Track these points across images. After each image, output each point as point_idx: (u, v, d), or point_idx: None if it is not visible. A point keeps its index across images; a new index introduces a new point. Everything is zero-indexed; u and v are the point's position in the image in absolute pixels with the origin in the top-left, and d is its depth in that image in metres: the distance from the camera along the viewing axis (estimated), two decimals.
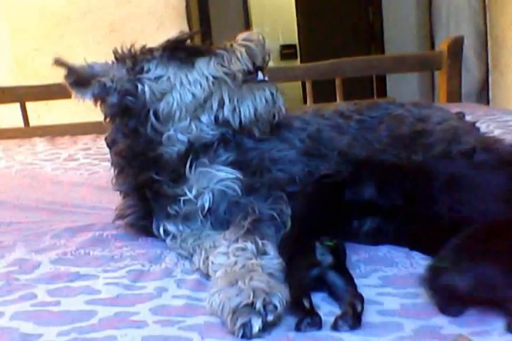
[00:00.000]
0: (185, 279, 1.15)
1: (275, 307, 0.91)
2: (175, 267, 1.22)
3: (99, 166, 2.28)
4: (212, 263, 1.12)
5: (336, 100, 3.05)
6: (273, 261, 1.08)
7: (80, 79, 1.36)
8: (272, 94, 1.37)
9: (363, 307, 0.94)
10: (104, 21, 3.69)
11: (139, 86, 1.35)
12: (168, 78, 1.35)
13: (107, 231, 1.44)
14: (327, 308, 1.00)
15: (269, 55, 1.41)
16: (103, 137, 2.84)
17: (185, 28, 3.64)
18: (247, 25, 5.93)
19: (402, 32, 5.08)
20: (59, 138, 2.91)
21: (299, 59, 6.71)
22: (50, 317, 1.01)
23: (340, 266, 1.05)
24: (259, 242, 1.12)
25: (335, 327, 0.92)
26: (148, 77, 1.36)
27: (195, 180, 1.31)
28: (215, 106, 1.34)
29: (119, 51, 1.46)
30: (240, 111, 1.34)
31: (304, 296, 0.95)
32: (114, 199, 1.72)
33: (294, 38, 7.05)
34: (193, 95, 1.34)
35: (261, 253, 1.09)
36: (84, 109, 3.35)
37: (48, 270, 1.23)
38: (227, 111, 1.34)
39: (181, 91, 1.34)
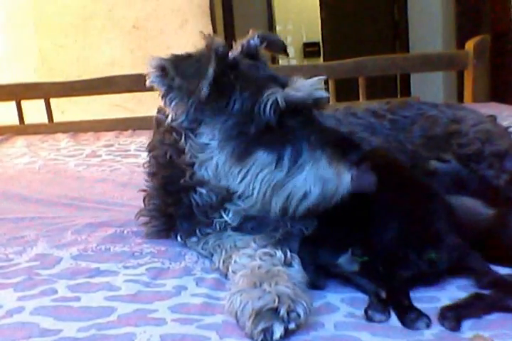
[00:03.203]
0: (205, 278, 1.15)
1: (298, 315, 0.90)
2: (195, 265, 1.22)
3: (121, 163, 2.30)
4: (234, 262, 1.11)
5: (358, 99, 3.03)
6: (298, 274, 1.06)
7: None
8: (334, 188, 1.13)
9: (387, 296, 0.97)
10: (128, 18, 3.71)
11: (183, 136, 1.19)
12: (213, 154, 1.16)
13: (128, 228, 1.45)
14: (347, 310, 0.99)
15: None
16: (126, 134, 2.90)
17: (209, 26, 3.64)
18: (271, 23, 5.92)
19: (428, 30, 5.03)
20: (82, 134, 2.94)
21: (322, 57, 6.69)
22: (70, 313, 1.01)
23: (367, 274, 1.07)
24: (288, 253, 1.10)
25: (368, 318, 0.94)
26: (194, 140, 1.18)
27: (234, 206, 1.24)
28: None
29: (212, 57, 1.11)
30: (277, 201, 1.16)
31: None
32: (135, 196, 1.74)
33: (317, 36, 7.02)
34: (227, 185, 1.19)
35: (287, 263, 1.08)
36: (108, 106, 3.38)
37: (69, 265, 1.24)
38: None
39: (217, 176, 1.18)
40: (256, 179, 1.13)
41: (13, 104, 3.14)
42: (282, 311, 0.89)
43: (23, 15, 3.68)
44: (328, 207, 1.13)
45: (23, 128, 3.11)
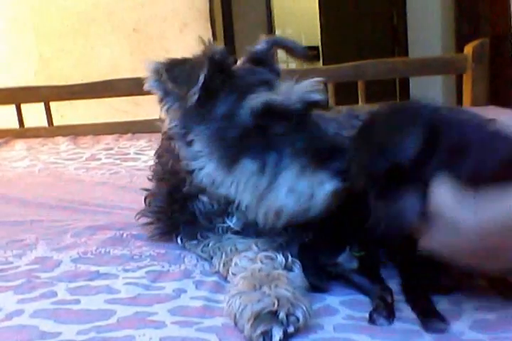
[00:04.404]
0: (204, 281, 1.15)
1: (297, 319, 0.90)
2: (194, 268, 1.22)
3: (120, 166, 2.31)
4: (235, 264, 1.11)
5: (357, 103, 3.03)
6: (298, 278, 1.05)
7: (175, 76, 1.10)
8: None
9: (393, 299, 0.97)
10: (128, 22, 3.72)
11: (178, 145, 1.17)
12: (205, 162, 1.15)
13: (127, 231, 1.45)
14: (346, 312, 1.00)
15: None
16: (125, 137, 2.91)
17: (208, 30, 3.65)
18: (271, 27, 5.93)
19: (427, 34, 5.04)
20: (82, 137, 2.94)
21: (321, 61, 6.70)
22: (69, 316, 1.01)
23: (366, 270, 1.07)
24: (290, 258, 1.09)
25: (371, 321, 0.94)
26: (187, 147, 1.16)
27: (238, 212, 1.22)
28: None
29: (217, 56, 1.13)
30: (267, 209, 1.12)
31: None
32: (134, 199, 1.74)
33: (316, 40, 7.03)
34: (225, 193, 1.17)
35: (288, 268, 1.07)
36: (107, 110, 3.39)
37: (69, 268, 1.24)
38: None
39: (213, 184, 1.16)
40: (245, 188, 1.11)
41: (12, 107, 3.15)
42: (281, 314, 0.89)
43: (23, 18, 3.69)
44: (306, 219, 1.09)
45: (22, 132, 3.11)
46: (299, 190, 1.06)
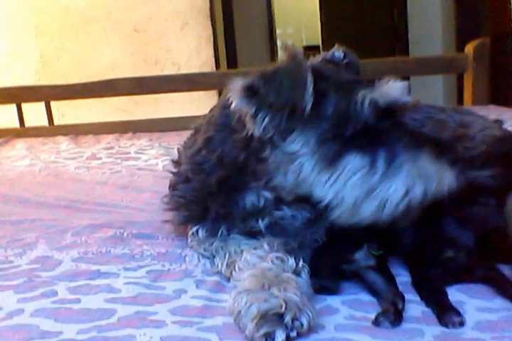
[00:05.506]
0: (205, 280, 1.15)
1: (301, 325, 0.89)
2: (195, 268, 1.21)
3: (121, 165, 2.30)
4: (244, 259, 1.11)
5: None
6: (304, 284, 1.04)
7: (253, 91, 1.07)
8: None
9: (403, 305, 0.97)
10: (129, 21, 3.72)
11: (268, 149, 1.13)
12: (302, 161, 1.10)
13: (128, 230, 1.44)
14: (347, 312, 0.99)
15: None
16: (126, 136, 2.91)
17: (209, 29, 3.65)
18: (271, 26, 5.93)
19: (427, 33, 5.04)
20: (82, 137, 2.94)
21: None
22: (70, 315, 1.01)
23: (382, 269, 1.07)
24: (300, 263, 1.08)
25: (376, 323, 0.94)
26: (282, 149, 1.11)
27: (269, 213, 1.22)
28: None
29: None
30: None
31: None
32: (135, 198, 1.75)
33: (317, 39, 7.04)
34: (309, 193, 1.12)
35: (297, 272, 1.06)
36: (108, 109, 3.39)
37: (69, 267, 1.24)
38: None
39: (299, 183, 1.12)
40: (346, 185, 1.08)
41: (13, 106, 3.15)
42: (287, 318, 0.88)
43: (24, 18, 3.69)
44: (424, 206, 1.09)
45: (23, 131, 3.11)
46: (428, 175, 1.07)
